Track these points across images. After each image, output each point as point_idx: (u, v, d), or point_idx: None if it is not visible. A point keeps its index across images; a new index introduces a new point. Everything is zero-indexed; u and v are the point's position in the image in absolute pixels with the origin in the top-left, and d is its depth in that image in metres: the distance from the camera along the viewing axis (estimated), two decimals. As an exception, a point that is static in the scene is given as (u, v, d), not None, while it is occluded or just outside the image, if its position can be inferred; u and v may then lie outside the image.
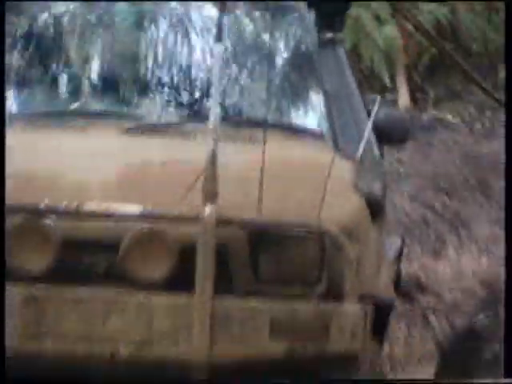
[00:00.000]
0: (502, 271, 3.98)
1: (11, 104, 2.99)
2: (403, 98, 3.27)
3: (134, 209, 2.37)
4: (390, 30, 3.55)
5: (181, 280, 2.31)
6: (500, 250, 3.88)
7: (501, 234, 3.89)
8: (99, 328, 2.34)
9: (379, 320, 2.59)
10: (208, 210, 2.24)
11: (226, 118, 2.67)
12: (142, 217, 2.34)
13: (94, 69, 3.13)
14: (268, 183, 2.32)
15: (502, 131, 4.87)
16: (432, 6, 5.16)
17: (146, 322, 2.34)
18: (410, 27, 4.77)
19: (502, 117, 4.81)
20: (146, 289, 2.33)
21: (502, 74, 5.29)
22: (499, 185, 4.34)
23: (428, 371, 3.54)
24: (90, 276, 2.37)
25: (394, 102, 3.14)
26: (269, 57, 3.04)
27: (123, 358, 2.32)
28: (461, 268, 3.77)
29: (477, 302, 3.74)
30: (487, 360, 3.56)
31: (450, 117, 4.98)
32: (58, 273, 2.34)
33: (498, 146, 4.74)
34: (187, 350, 2.30)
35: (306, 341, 2.37)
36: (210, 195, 2.24)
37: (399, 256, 3.34)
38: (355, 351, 2.41)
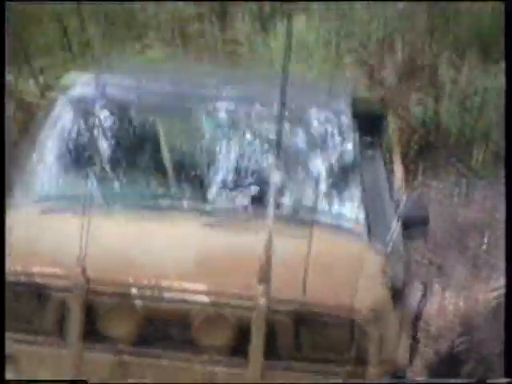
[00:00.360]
0: (476, 307, 4.88)
1: (108, 198, 3.27)
2: (398, 171, 4.05)
3: (202, 287, 2.77)
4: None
5: (237, 349, 2.71)
6: (474, 291, 4.79)
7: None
8: None
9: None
10: (260, 291, 2.60)
11: (280, 216, 2.94)
12: (209, 295, 2.74)
13: (175, 172, 3.44)
14: (306, 270, 2.66)
15: (475, 194, 6.20)
16: (419, 109, 6.40)
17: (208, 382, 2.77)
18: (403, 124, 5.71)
19: (476, 183, 6.09)
20: (210, 354, 2.73)
21: (476, 150, 6.24)
22: (471, 234, 5.49)
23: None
24: (166, 343, 2.79)
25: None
26: (321, 161, 3.46)
27: None
28: (444, 305, 4.65)
29: (456, 331, 4.64)
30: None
31: (434, 182, 5.86)
32: (141, 340, 2.77)
33: (471, 203, 6.06)
34: None
35: None
36: (264, 279, 2.59)
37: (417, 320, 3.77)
38: None
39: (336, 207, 3.38)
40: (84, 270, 2.72)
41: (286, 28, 5.54)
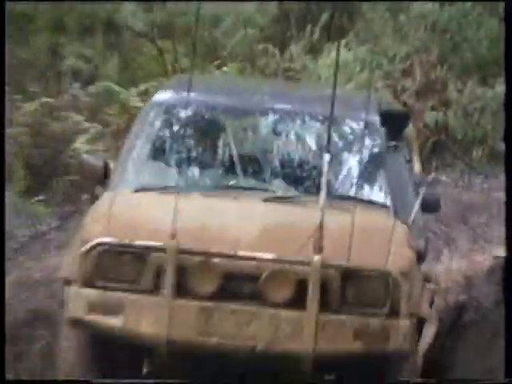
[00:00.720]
0: (477, 264, 5.77)
1: (188, 181, 3.80)
2: (417, 166, 5.08)
3: (269, 255, 3.30)
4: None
5: (298, 301, 3.24)
6: (475, 254, 6.14)
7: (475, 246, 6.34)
8: (245, 330, 3.26)
9: (419, 328, 3.63)
10: (315, 258, 3.17)
11: (328, 194, 3.44)
12: (274, 261, 3.26)
13: (240, 160, 4.05)
14: (350, 239, 3.20)
15: (476, 186, 7.68)
16: (432, 114, 7.98)
17: (274, 327, 3.26)
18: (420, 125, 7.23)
19: (476, 178, 7.80)
20: (275, 306, 3.26)
21: (475, 152, 8.01)
22: (473, 218, 6.80)
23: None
24: (240, 296, 3.31)
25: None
26: (357, 155, 4.04)
27: (259, 350, 3.25)
28: (450, 266, 6.11)
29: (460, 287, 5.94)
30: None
31: (444, 177, 7.36)
32: (221, 295, 3.27)
33: (474, 194, 7.50)
34: (300, 346, 3.22)
35: (375, 343, 3.30)
36: (318, 248, 3.16)
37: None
38: (406, 349, 3.39)
39: (370, 191, 4.00)
40: (174, 237, 3.19)
41: (335, 55, 6.66)
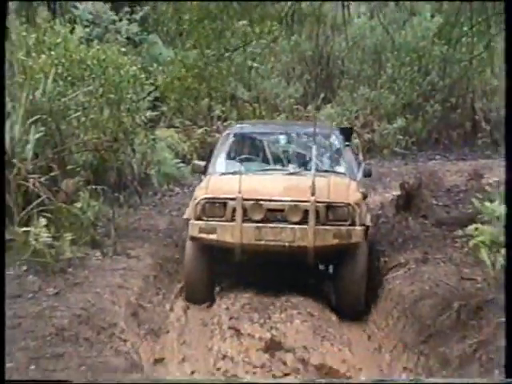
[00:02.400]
0: (385, 198, 10.60)
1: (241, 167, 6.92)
2: (360, 155, 9.13)
3: (288, 198, 6.29)
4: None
5: (304, 220, 6.13)
6: (384, 194, 11.72)
7: (385, 190, 13.26)
8: (278, 237, 6.16)
9: (366, 232, 6.47)
10: (312, 198, 6.09)
11: (316, 170, 6.39)
12: (291, 201, 6.21)
13: (271, 156, 7.39)
14: (328, 189, 6.18)
15: (384, 166, 14.62)
16: (366, 135, 15.08)
17: (293, 234, 6.13)
18: (362, 139, 16.03)
19: (384, 162, 15.25)
20: (293, 224, 6.18)
21: (385, 151, 15.48)
22: (384, 179, 13.16)
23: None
24: (275, 220, 6.25)
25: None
26: (329, 149, 7.38)
27: (286, 246, 6.16)
28: (374, 199, 10.31)
29: (378, 207, 9.79)
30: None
31: (372, 162, 14.38)
32: (266, 220, 6.26)
33: (383, 169, 13.85)
34: (306, 243, 6.10)
35: (344, 239, 6.12)
36: (312, 193, 6.08)
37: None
38: (360, 241, 6.23)
39: (336, 167, 7.18)
40: (240, 193, 6.15)
41: (326, 110, 14.99)
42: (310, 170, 6.50)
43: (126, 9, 10.15)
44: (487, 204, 5.45)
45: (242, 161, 7.01)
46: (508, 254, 3.88)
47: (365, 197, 6.82)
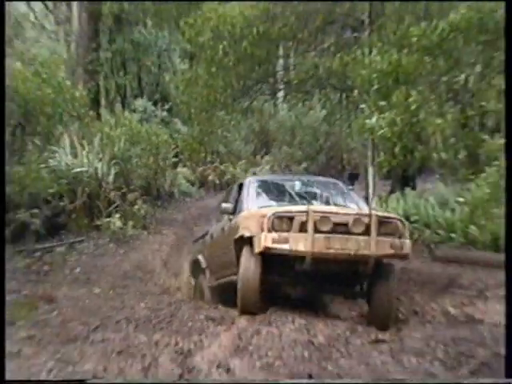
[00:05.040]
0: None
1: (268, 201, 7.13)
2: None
3: (352, 212, 6.26)
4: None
5: (366, 232, 5.91)
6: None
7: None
8: (345, 246, 5.87)
9: None
10: (373, 212, 6.15)
11: (332, 203, 7.18)
12: (355, 214, 6.06)
13: (291, 195, 7.33)
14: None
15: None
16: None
17: (357, 244, 5.88)
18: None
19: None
20: (357, 234, 5.91)
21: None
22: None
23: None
24: (341, 231, 5.93)
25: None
26: (337, 191, 7.70)
27: (351, 254, 5.89)
28: None
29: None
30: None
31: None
32: (332, 231, 5.93)
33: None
34: (368, 252, 5.90)
35: (398, 249, 5.97)
36: (370, 209, 6.66)
37: None
38: (409, 250, 6.06)
39: (349, 203, 7.24)
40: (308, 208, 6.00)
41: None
42: (337, 203, 7.17)
43: (161, 104, 16.10)
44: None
45: (273, 199, 7.26)
46: (508, 254, 3.72)
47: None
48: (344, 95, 11.08)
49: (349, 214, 6.05)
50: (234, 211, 7.20)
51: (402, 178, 11.14)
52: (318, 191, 7.50)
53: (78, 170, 9.94)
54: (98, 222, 9.97)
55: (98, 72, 15.28)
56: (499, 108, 5.32)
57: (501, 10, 5.30)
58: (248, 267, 6.09)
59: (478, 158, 7.40)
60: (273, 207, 6.49)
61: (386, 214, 6.23)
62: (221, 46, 8.99)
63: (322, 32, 9.74)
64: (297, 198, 7.17)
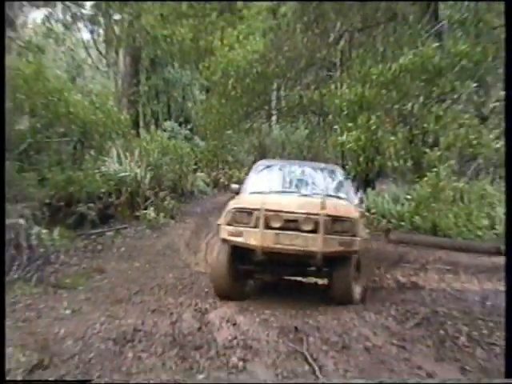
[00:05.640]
0: None
1: (264, 187, 5.91)
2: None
3: (302, 211, 5.08)
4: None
5: (314, 230, 4.95)
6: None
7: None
8: (293, 242, 4.98)
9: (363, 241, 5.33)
10: (322, 212, 5.02)
11: (324, 194, 5.72)
12: (305, 213, 5.02)
13: (289, 181, 6.27)
14: (335, 207, 5.19)
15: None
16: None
17: (305, 241, 4.93)
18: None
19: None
20: (305, 232, 4.97)
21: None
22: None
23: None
24: (289, 229, 5.01)
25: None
26: (332, 179, 6.34)
27: (299, 250, 4.98)
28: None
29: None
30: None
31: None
32: (283, 227, 5.03)
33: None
34: (316, 249, 4.95)
35: (347, 247, 5.04)
36: (323, 208, 5.06)
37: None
38: (358, 249, 5.15)
39: (339, 193, 6.08)
40: (264, 205, 5.12)
41: None
42: (319, 193, 5.89)
43: (184, 125, 15.84)
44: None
45: (267, 183, 6.26)
46: (508, 254, 3.05)
47: (362, 215, 5.95)
48: (321, 119, 10.97)
49: (300, 213, 5.13)
50: (238, 192, 6.30)
51: (365, 181, 11.00)
52: (313, 179, 6.37)
53: (123, 174, 9.94)
54: (138, 213, 9.88)
55: (137, 101, 15.56)
56: (436, 129, 5.37)
57: (437, 57, 5.29)
58: (218, 254, 5.43)
59: (422, 165, 7.42)
60: (259, 194, 5.59)
61: (339, 214, 5.18)
62: (229, 82, 8.98)
63: (305, 71, 9.68)
64: (292, 187, 6.11)
